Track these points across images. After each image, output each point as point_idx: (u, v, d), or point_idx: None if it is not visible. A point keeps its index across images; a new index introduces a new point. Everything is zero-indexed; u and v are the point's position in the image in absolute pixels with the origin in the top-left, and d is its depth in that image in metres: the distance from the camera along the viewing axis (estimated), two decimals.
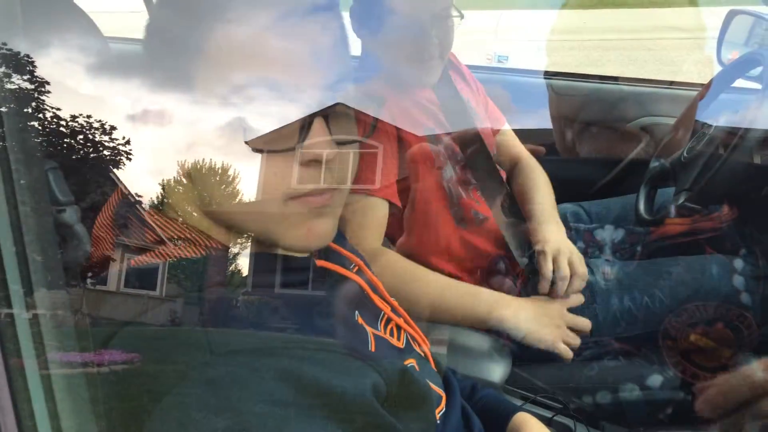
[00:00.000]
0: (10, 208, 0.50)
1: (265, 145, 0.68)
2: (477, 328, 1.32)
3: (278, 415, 0.60)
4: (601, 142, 2.05)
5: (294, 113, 0.69)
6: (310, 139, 0.69)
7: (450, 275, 1.47)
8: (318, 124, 0.70)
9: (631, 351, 1.43)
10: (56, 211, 0.52)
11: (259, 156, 0.69)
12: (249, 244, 0.76)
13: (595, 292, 1.47)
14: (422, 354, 0.93)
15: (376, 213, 1.36)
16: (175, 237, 0.73)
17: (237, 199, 0.71)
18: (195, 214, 0.72)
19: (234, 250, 0.76)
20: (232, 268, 0.76)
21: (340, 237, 0.99)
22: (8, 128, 0.55)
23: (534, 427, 0.97)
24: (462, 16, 1.44)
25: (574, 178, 1.82)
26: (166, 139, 0.70)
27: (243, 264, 0.76)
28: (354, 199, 1.31)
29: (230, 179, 0.70)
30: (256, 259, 0.75)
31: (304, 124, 0.69)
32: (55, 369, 0.60)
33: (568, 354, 1.30)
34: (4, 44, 0.63)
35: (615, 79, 2.09)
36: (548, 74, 2.12)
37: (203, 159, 0.70)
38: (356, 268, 0.90)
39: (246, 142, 0.68)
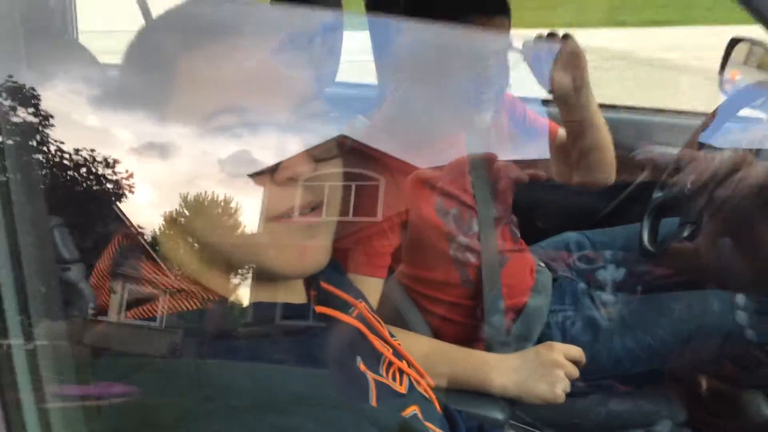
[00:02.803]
0: (9, 239, 0.48)
1: (240, 169, 0.69)
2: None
3: None
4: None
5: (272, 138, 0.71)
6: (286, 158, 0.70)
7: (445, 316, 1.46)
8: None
9: (637, 393, 1.41)
10: (62, 270, 0.51)
11: (235, 181, 0.70)
12: (248, 292, 0.75)
13: (598, 331, 1.45)
14: (426, 396, 0.91)
15: (370, 293, 1.31)
16: (171, 289, 0.71)
17: (218, 228, 0.71)
18: (185, 254, 0.73)
19: (231, 298, 0.76)
20: (231, 316, 0.74)
21: (340, 277, 0.97)
22: (10, 162, 0.54)
23: None
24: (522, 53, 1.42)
25: (577, 205, 1.81)
26: (141, 172, 0.70)
27: (243, 312, 0.76)
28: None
29: (210, 207, 0.70)
30: (255, 308, 0.76)
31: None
32: (53, 402, 0.59)
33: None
34: (10, 77, 0.62)
35: (615, 107, 2.08)
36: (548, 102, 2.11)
37: (183, 191, 0.70)
38: (356, 311, 0.90)
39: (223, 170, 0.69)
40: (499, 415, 1.26)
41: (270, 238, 0.71)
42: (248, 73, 0.70)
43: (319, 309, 0.82)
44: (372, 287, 1.34)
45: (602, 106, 2.09)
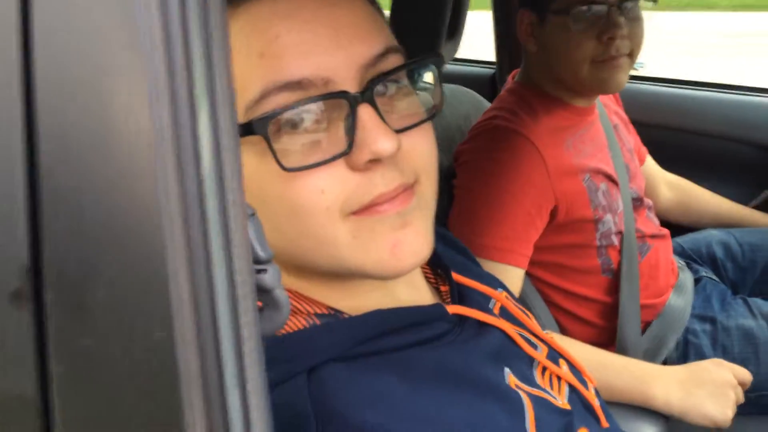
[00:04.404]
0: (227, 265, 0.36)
1: (304, 160, 0.55)
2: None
3: None
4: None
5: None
6: (360, 135, 0.55)
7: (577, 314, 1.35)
8: (365, 113, 0.56)
9: None
10: (256, 272, 0.39)
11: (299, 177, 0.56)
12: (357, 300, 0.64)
13: (757, 342, 1.30)
14: (591, 408, 0.76)
15: (510, 283, 1.20)
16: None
17: (290, 234, 0.58)
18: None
19: (342, 309, 0.64)
20: (343, 331, 0.60)
21: (471, 264, 0.84)
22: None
23: None
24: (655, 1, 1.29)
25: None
26: None
27: (355, 325, 0.61)
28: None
29: (276, 211, 0.57)
30: (374, 318, 0.62)
31: (348, 118, 0.56)
32: None
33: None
34: None
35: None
36: (706, 86, 1.90)
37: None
38: (498, 305, 0.75)
39: (285, 168, 0.55)
40: None
41: (351, 237, 0.57)
42: (290, 35, 0.55)
43: (453, 309, 0.67)
44: (511, 278, 1.21)
45: (750, 89, 1.88)
